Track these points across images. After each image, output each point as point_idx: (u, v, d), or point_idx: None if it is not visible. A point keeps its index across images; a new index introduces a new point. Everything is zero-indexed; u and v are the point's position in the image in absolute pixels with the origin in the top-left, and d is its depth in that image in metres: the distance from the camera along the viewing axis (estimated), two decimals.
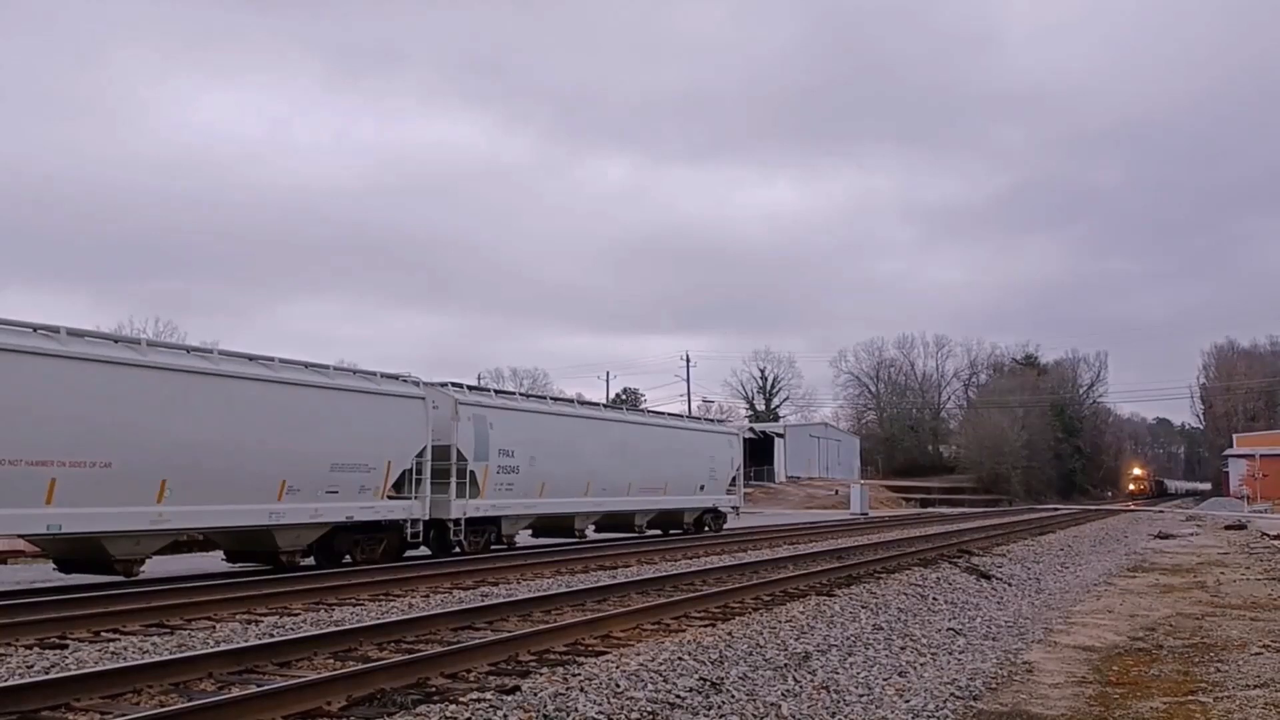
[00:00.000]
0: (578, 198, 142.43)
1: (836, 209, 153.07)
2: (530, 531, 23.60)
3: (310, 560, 17.41)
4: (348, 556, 17.83)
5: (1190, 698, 8.12)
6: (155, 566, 15.53)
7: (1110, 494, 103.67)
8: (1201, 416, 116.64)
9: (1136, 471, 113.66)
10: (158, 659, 7.66)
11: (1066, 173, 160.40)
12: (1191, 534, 33.64)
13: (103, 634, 9.72)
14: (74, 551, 14.18)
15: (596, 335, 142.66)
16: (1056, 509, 60.62)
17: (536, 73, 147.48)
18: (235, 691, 6.46)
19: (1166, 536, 31.83)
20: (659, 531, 28.04)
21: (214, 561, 17.99)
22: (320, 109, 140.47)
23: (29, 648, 8.89)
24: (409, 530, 18.62)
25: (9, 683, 6.90)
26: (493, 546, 20.97)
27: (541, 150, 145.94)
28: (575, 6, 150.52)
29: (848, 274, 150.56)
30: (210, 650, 8.08)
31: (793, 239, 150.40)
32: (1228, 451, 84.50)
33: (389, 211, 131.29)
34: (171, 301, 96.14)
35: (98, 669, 7.29)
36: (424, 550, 19.61)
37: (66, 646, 8.96)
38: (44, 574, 15.87)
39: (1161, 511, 58.35)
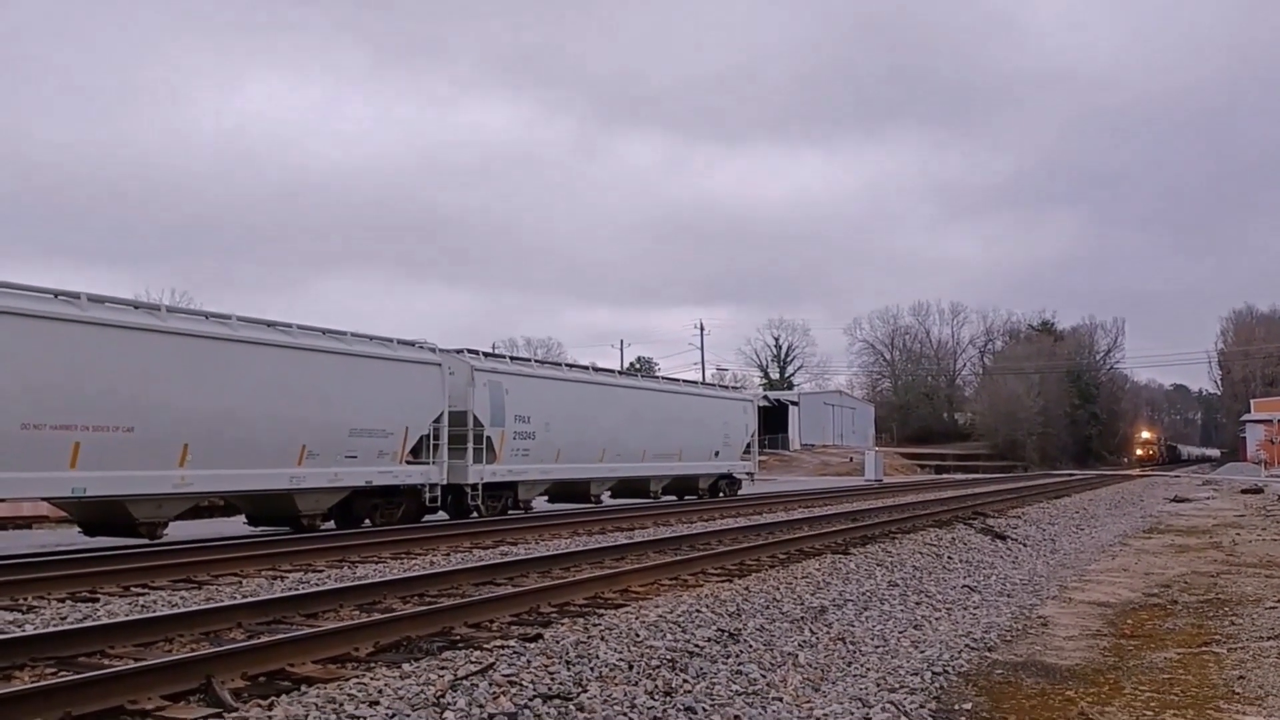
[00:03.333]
0: (609, 179, 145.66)
1: (859, 186, 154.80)
2: (546, 497, 23.79)
3: (330, 524, 17.63)
4: (367, 520, 18.05)
5: (1204, 649, 8.20)
6: (177, 530, 15.76)
7: (1126, 460, 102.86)
8: (1219, 382, 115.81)
9: (1145, 435, 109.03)
10: (188, 610, 7.83)
11: (1085, 149, 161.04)
12: (1208, 498, 33.61)
13: (132, 589, 9.93)
14: (98, 514, 14.39)
15: (616, 309, 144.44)
16: (1072, 474, 60.56)
17: (573, 60, 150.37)
18: (266, 638, 6.61)
19: (1182, 500, 31.82)
20: (674, 497, 28.21)
21: (235, 526, 18.24)
22: (362, 96, 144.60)
23: (61, 601, 9.10)
24: (427, 495, 18.81)
25: (47, 630, 7.07)
26: (509, 511, 21.16)
27: (576, 134, 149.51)
28: None
29: (867, 249, 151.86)
30: (239, 602, 8.25)
31: (815, 215, 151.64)
32: (1245, 417, 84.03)
33: (425, 193, 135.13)
34: (207, 278, 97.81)
35: (130, 618, 7.47)
36: (442, 515, 19.81)
37: (97, 600, 9.16)
38: (69, 538, 16.13)
39: (1178, 476, 58.28)
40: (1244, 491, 36.18)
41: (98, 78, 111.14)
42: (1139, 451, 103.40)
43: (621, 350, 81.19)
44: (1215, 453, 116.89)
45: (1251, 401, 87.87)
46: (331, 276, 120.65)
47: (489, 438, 20.22)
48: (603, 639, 6.87)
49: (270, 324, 16.44)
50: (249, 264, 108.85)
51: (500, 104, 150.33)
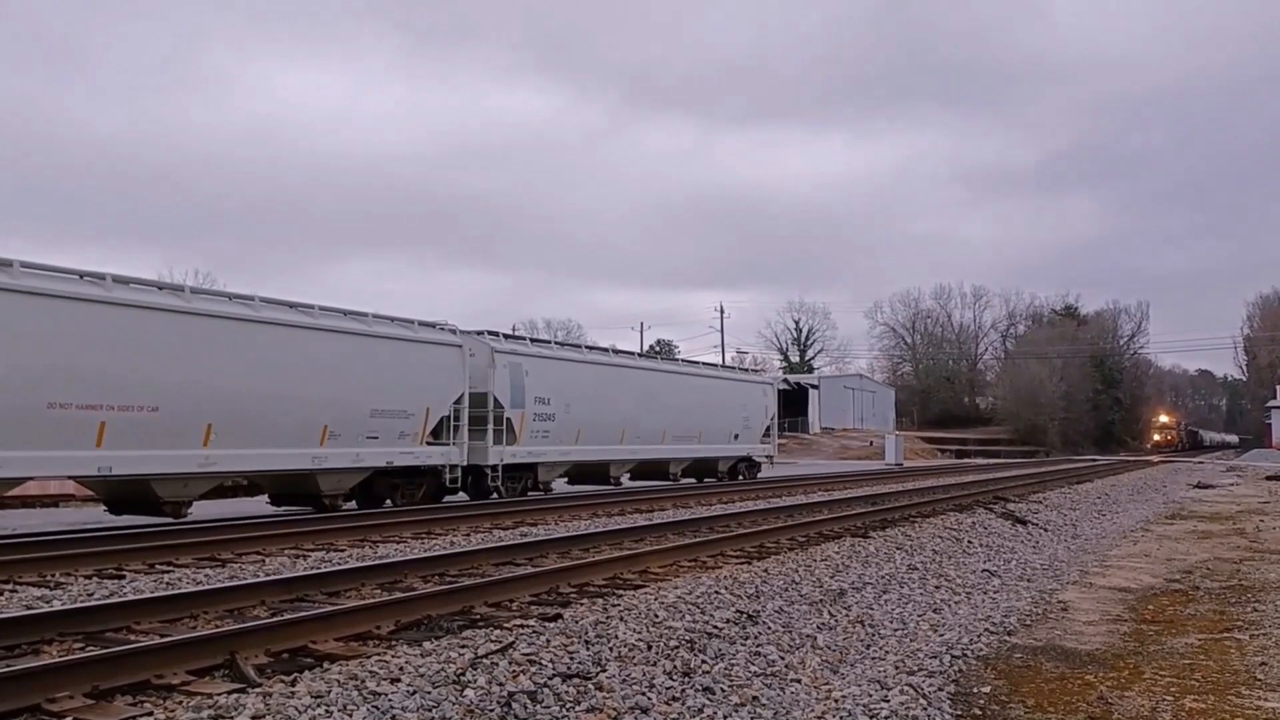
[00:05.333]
0: (632, 163, 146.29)
1: (883, 171, 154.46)
2: (566, 479, 23.87)
3: (351, 504, 17.78)
4: (388, 501, 18.18)
5: (1225, 634, 8.16)
6: (201, 510, 15.94)
7: (1147, 446, 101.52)
8: (1244, 368, 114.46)
9: (1163, 419, 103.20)
10: (212, 587, 7.92)
11: (1108, 133, 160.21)
12: (1232, 484, 33.33)
13: (157, 566, 10.07)
14: (124, 493, 14.57)
15: (637, 291, 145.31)
16: (1094, 460, 60.11)
17: (599, 47, 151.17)
18: (289, 615, 6.68)
19: (1206, 486, 31.57)
20: (693, 480, 28.25)
21: (258, 506, 18.42)
22: (392, 83, 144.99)
23: (88, 577, 9.23)
24: (447, 476, 18.91)
25: (75, 605, 7.18)
26: (529, 493, 21.26)
27: (600, 119, 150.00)
28: None
29: (889, 233, 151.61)
30: (262, 580, 8.34)
31: (837, 199, 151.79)
32: (1271, 403, 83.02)
33: (451, 178, 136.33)
34: (231, 261, 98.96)
35: (156, 595, 7.57)
36: (462, 496, 19.93)
37: (124, 577, 9.29)
38: (95, 516, 16.34)
39: (1201, 462, 57.79)
40: (1269, 478, 35.81)
41: (130, 65, 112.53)
42: (1156, 437, 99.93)
43: (641, 333, 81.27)
44: (1234, 438, 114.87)
45: (1277, 387, 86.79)
46: (357, 260, 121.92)
47: (509, 419, 20.30)
48: (622, 619, 6.90)
49: (293, 305, 16.53)
50: (275, 248, 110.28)
51: (526, 91, 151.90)
